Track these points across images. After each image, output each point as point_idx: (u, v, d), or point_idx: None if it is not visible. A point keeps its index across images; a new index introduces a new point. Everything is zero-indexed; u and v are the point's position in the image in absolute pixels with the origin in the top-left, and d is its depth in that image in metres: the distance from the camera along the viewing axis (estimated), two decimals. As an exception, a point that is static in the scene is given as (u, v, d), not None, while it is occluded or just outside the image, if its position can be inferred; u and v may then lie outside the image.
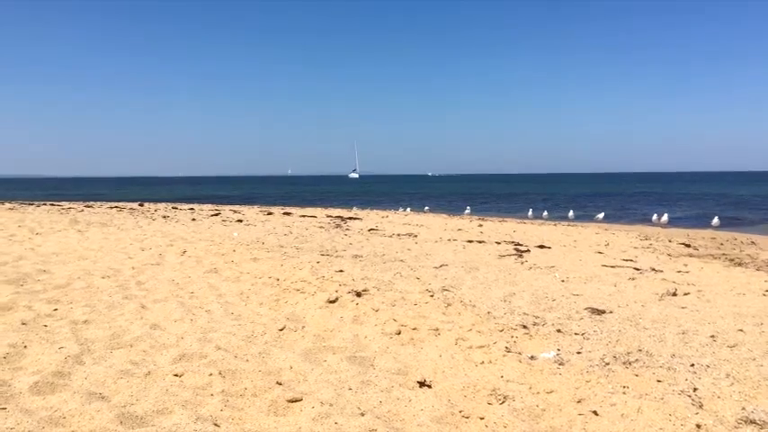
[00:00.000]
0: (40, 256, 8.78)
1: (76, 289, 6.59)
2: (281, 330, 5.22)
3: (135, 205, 26.16)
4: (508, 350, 4.48)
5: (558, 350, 4.45)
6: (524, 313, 5.50)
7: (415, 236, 13.42)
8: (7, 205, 23.32)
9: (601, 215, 24.08)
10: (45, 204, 25.15)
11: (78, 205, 25.26)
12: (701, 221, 23.41)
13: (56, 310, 5.64)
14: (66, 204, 25.87)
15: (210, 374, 3.96)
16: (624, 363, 4.13)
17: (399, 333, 5.06)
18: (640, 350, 4.38)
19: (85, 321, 5.25)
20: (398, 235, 13.55)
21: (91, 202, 29.32)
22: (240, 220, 16.87)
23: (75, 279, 7.11)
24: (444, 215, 25.01)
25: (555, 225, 19.73)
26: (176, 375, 3.98)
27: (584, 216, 25.75)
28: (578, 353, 4.39)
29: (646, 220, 24.06)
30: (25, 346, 4.42)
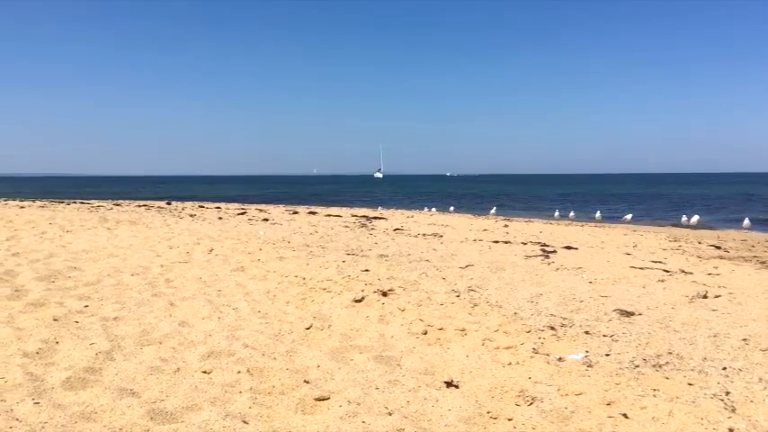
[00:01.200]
0: (71, 254, 8.92)
1: (106, 286, 6.69)
2: (307, 329, 5.24)
3: (163, 204, 26.48)
4: (536, 351, 4.45)
5: (587, 352, 4.41)
6: (551, 314, 5.46)
7: (441, 236, 13.38)
8: (38, 203, 23.73)
9: (629, 216, 23.82)
10: (75, 203, 25.55)
11: (107, 203, 25.63)
12: (732, 223, 23.05)
13: (86, 306, 5.72)
14: (95, 202, 26.26)
15: (239, 372, 3.99)
16: (654, 365, 4.08)
17: (426, 333, 5.06)
18: (671, 353, 4.33)
19: (115, 318, 5.33)
20: (424, 235, 13.53)
21: (119, 201, 29.72)
22: (266, 219, 16.98)
23: (105, 276, 7.21)
24: (469, 215, 24.91)
25: (582, 226, 19.53)
26: (205, 372, 4.02)
27: (612, 217, 25.49)
28: (607, 355, 4.34)
29: (675, 221, 23.74)
30: (57, 342, 4.49)
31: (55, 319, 5.14)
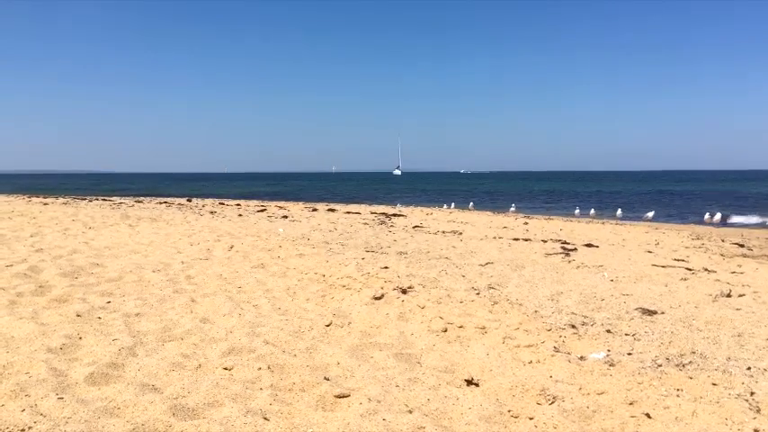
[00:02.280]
0: (94, 250, 9.01)
1: (128, 282, 6.75)
2: (327, 326, 5.25)
3: (183, 201, 26.69)
4: (557, 350, 4.43)
5: (609, 351, 4.37)
6: (572, 313, 5.43)
7: (460, 233, 13.35)
8: (61, 200, 24.02)
9: (650, 214, 23.58)
10: (97, 199, 25.84)
11: (128, 200, 25.88)
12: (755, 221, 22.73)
13: (109, 302, 5.77)
14: (116, 199, 26.54)
15: (259, 369, 4.00)
16: (677, 365, 4.04)
17: (446, 331, 5.05)
18: (694, 352, 4.28)
19: (138, 314, 5.37)
20: (443, 232, 13.51)
21: (141, 198, 29.99)
22: (285, 217, 17.05)
23: (127, 273, 7.27)
24: (489, 213, 24.82)
25: (603, 223, 19.38)
26: (226, 369, 4.04)
27: (633, 215, 25.25)
28: (629, 354, 4.30)
29: (697, 219, 23.46)
30: (80, 338, 4.53)
31: (78, 315, 5.19)
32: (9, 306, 5.37)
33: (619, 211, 24.80)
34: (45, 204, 20.07)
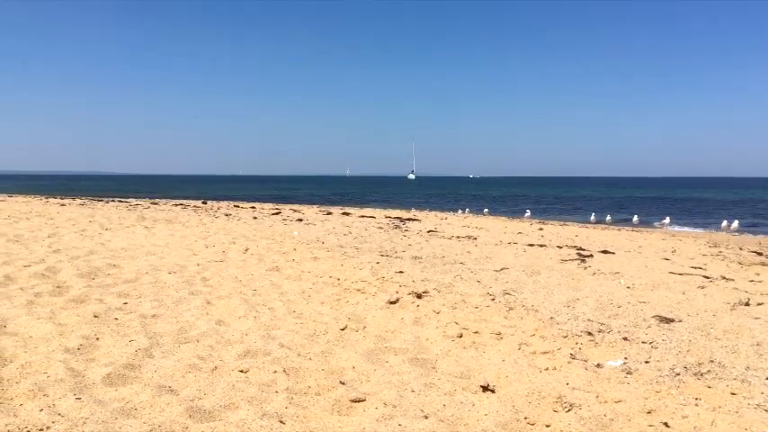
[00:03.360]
0: (110, 251, 9.07)
1: (145, 284, 6.79)
2: (342, 330, 5.25)
3: (198, 203, 26.83)
4: (573, 357, 4.39)
5: (626, 359, 4.34)
6: (589, 320, 5.39)
7: (475, 238, 13.31)
8: (78, 201, 24.22)
9: (666, 220, 23.40)
10: (113, 201, 26.02)
11: (144, 202, 26.04)
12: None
13: (126, 303, 5.81)
14: (133, 201, 26.70)
15: (275, 372, 4.01)
16: (696, 374, 3.99)
17: (461, 336, 5.03)
18: (712, 361, 4.23)
19: (154, 315, 5.40)
20: (458, 237, 13.48)
21: (156, 200, 30.17)
22: (300, 220, 17.08)
23: (144, 274, 7.32)
24: (504, 218, 24.76)
25: (618, 230, 19.26)
26: (242, 371, 4.05)
27: (649, 221, 25.08)
28: (646, 362, 4.26)
29: (714, 226, 23.25)
30: (97, 338, 4.56)
31: (95, 316, 5.22)
32: (27, 306, 5.42)
33: (635, 218, 24.62)
34: (62, 205, 20.25)
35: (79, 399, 3.33)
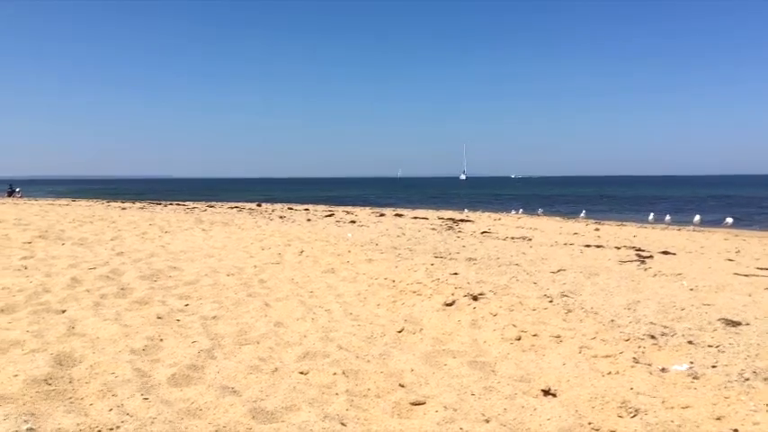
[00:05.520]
0: (170, 254, 9.30)
1: (204, 286, 6.93)
2: (399, 332, 5.25)
3: (253, 206, 27.26)
4: (636, 361, 4.29)
5: (692, 363, 4.21)
6: (651, 322, 5.26)
7: (530, 239, 13.15)
8: (138, 205, 24.90)
9: (729, 220, 22.62)
10: (172, 204, 26.66)
11: (201, 205, 26.60)
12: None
13: (187, 305, 5.94)
14: (190, 204, 27.30)
15: (334, 374, 4.04)
16: (766, 379, 3.85)
17: (519, 339, 4.97)
18: (784, 366, 4.08)
19: (214, 317, 5.50)
20: (512, 238, 13.34)
21: (212, 202, 30.79)
22: (353, 221, 17.18)
23: (203, 276, 7.47)
24: (558, 218, 24.38)
25: (678, 230, 18.75)
26: (302, 373, 4.09)
27: (711, 221, 24.31)
28: (713, 366, 4.13)
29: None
30: (161, 340, 4.67)
31: (158, 317, 5.35)
32: (94, 307, 5.59)
33: (696, 218, 23.86)
34: (123, 209, 20.86)
35: (146, 399, 3.42)
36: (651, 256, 10.10)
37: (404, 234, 13.24)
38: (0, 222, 12.47)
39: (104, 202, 28.35)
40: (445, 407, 3.50)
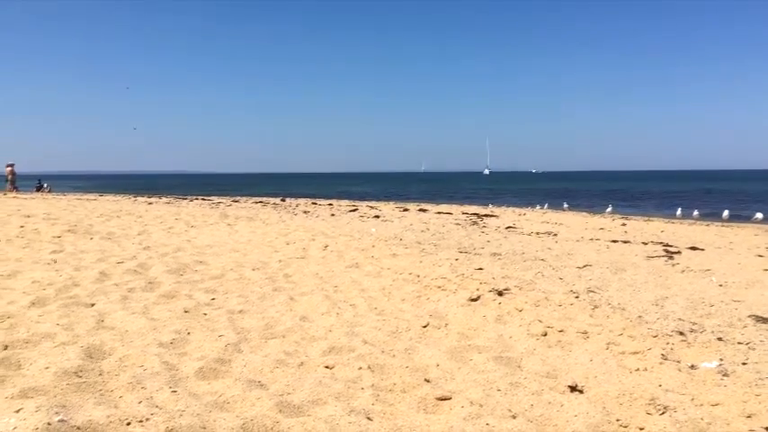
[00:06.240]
0: (196, 248, 9.38)
1: (230, 280, 6.97)
2: (424, 327, 5.24)
3: (277, 200, 27.40)
4: (665, 357, 4.24)
5: (721, 360, 4.15)
6: (679, 319, 5.20)
7: (555, 234, 13.06)
8: (164, 200, 25.17)
9: (759, 215, 22.23)
10: (197, 199, 26.89)
11: (226, 200, 26.80)
12: None
13: (213, 299, 5.99)
14: (215, 199, 27.52)
15: (360, 368, 4.04)
16: (798, 377, 3.79)
17: (545, 335, 4.94)
18: (817, 364, 4.01)
19: (240, 311, 5.54)
20: (537, 233, 13.26)
21: (237, 197, 31.00)
22: (377, 216, 17.19)
23: (229, 270, 7.53)
24: (584, 213, 24.17)
25: (707, 225, 18.47)
26: (327, 367, 4.10)
27: (740, 216, 23.92)
28: (744, 364, 4.08)
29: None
30: (188, 333, 4.72)
31: (185, 311, 5.40)
32: (122, 301, 5.66)
33: (725, 213, 23.49)
34: (149, 204, 21.09)
35: (175, 392, 3.45)
36: (679, 252, 9.98)
37: (428, 229, 13.22)
38: (30, 217, 12.66)
39: (131, 196, 28.68)
40: (471, 402, 3.49)
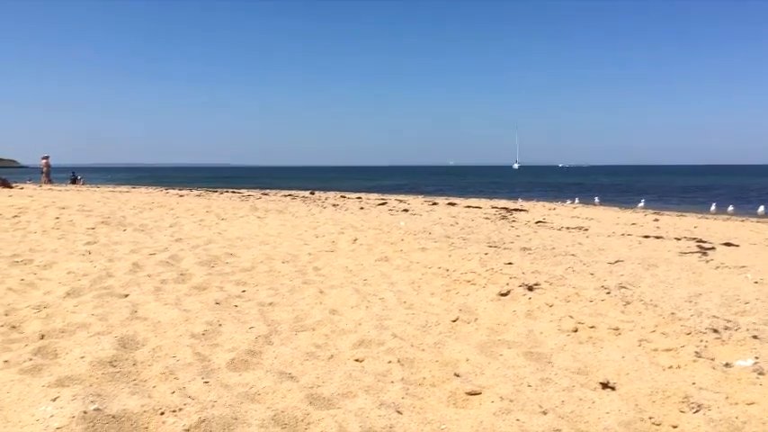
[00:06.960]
0: (227, 240, 9.47)
1: (260, 272, 7.03)
2: (453, 321, 5.23)
3: (307, 194, 27.53)
4: (698, 355, 4.18)
5: (757, 358, 4.08)
6: (714, 316, 5.11)
7: (586, 229, 12.93)
8: (195, 192, 25.43)
9: (794, 211, 21.77)
10: (227, 192, 27.13)
11: (256, 193, 27.00)
12: None
13: (244, 291, 6.04)
14: (245, 192, 27.73)
15: (389, 362, 4.05)
16: (837, 377, 3.71)
17: (576, 330, 4.89)
18: None
19: (270, 303, 5.58)
20: (568, 228, 13.14)
21: (267, 190, 31.21)
22: (406, 210, 17.18)
23: (259, 263, 7.58)
24: (616, 208, 23.89)
25: (742, 221, 18.14)
26: (357, 360, 4.11)
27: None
28: (780, 362, 4.00)
29: None
30: (220, 325, 4.76)
31: (217, 303, 5.46)
32: (155, 292, 5.74)
33: (761, 209, 23.03)
34: (181, 196, 21.33)
35: (207, 382, 3.49)
36: (713, 248, 9.82)
37: (457, 223, 13.18)
38: (65, 209, 12.89)
39: (163, 189, 29.05)
40: (501, 397, 3.48)
